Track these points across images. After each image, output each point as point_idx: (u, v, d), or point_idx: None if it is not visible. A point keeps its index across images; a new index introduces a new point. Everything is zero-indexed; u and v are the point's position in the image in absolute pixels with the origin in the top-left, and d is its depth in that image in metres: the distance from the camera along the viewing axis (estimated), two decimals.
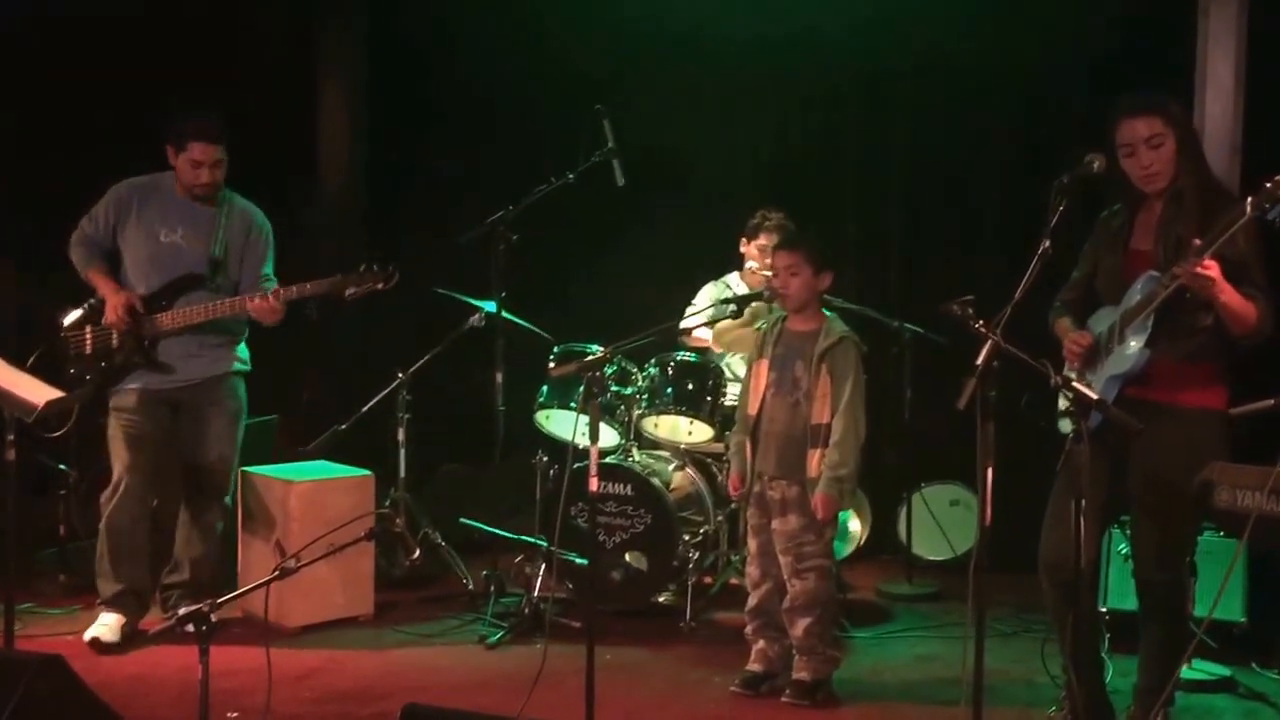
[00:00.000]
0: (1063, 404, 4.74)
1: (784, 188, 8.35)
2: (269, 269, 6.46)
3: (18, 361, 5.45)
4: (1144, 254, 4.93)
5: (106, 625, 6.19)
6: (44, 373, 5.42)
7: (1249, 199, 4.48)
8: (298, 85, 8.78)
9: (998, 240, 7.98)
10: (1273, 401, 5.29)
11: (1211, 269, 4.58)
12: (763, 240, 7.14)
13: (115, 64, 7.75)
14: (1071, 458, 4.51)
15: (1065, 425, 4.71)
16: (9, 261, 7.64)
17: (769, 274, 5.95)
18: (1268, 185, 4.44)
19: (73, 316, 6.33)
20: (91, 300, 6.31)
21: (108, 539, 6.28)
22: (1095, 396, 4.48)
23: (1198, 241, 4.60)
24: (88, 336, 6.28)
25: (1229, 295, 4.65)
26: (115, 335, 6.24)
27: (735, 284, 7.38)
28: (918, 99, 8.23)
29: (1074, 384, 4.45)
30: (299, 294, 6.21)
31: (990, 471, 4.35)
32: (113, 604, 6.27)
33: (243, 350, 6.48)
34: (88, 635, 6.15)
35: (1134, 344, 4.81)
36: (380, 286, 6.20)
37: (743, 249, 7.31)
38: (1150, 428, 4.59)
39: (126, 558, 6.29)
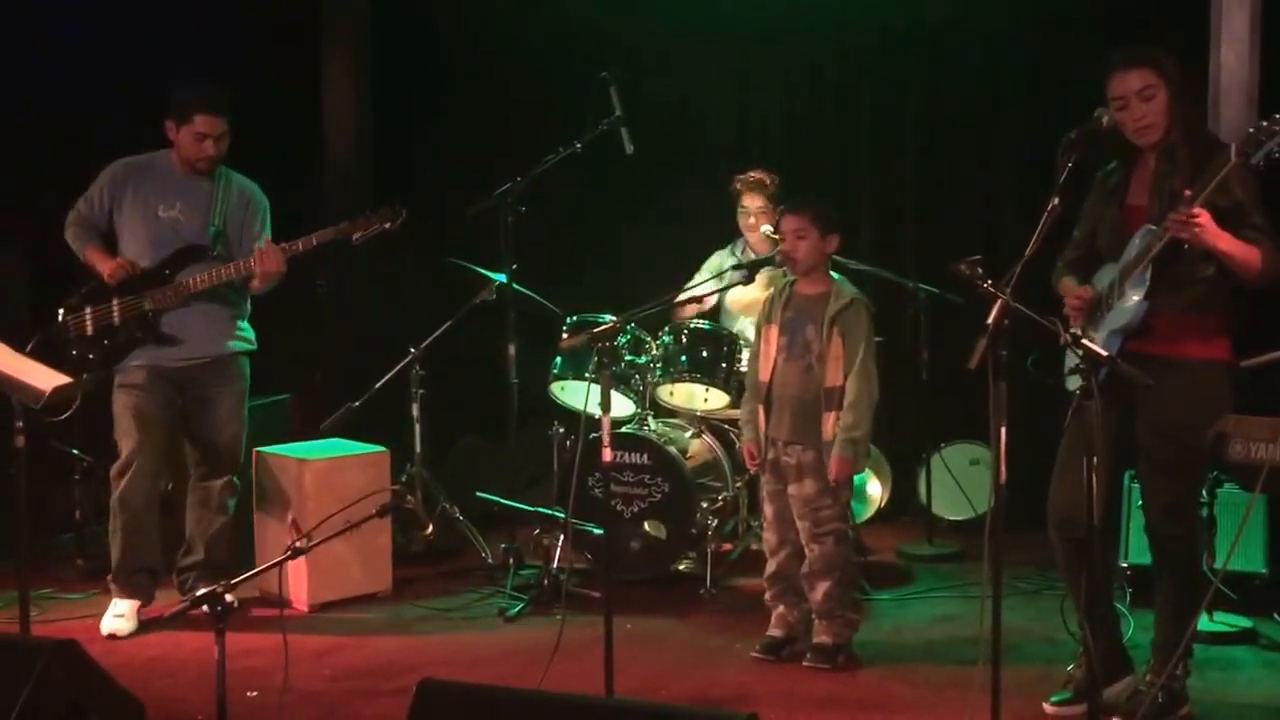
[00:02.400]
0: (1070, 361, 4.71)
1: (797, 149, 8.32)
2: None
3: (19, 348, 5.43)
4: (1140, 209, 4.91)
5: (121, 616, 6.17)
6: (42, 360, 5.39)
7: (1233, 145, 4.49)
8: (302, 54, 8.75)
9: (1015, 198, 7.92)
10: None
11: (1200, 217, 4.57)
12: (745, 203, 7.13)
13: (119, 41, 7.73)
14: (1080, 414, 4.49)
15: (1073, 382, 4.69)
16: (19, 251, 7.63)
17: (768, 230, 5.90)
18: (1251, 130, 4.46)
19: (68, 304, 6.25)
20: (86, 285, 6.25)
21: (120, 516, 6.25)
22: (1104, 352, 4.45)
23: (1188, 192, 4.60)
24: (88, 317, 6.21)
25: (1226, 242, 4.64)
26: (116, 312, 6.19)
27: (741, 249, 7.32)
28: (932, 56, 8.17)
29: (1082, 340, 4.42)
30: (304, 246, 6.17)
31: (1004, 430, 4.33)
32: (125, 586, 6.25)
33: (247, 328, 6.44)
34: (104, 629, 6.13)
35: (1133, 297, 4.79)
36: (388, 226, 6.20)
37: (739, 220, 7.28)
38: (1154, 381, 4.57)
39: (139, 535, 6.27)
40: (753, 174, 7.16)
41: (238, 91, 6.38)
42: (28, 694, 4.09)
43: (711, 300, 7.13)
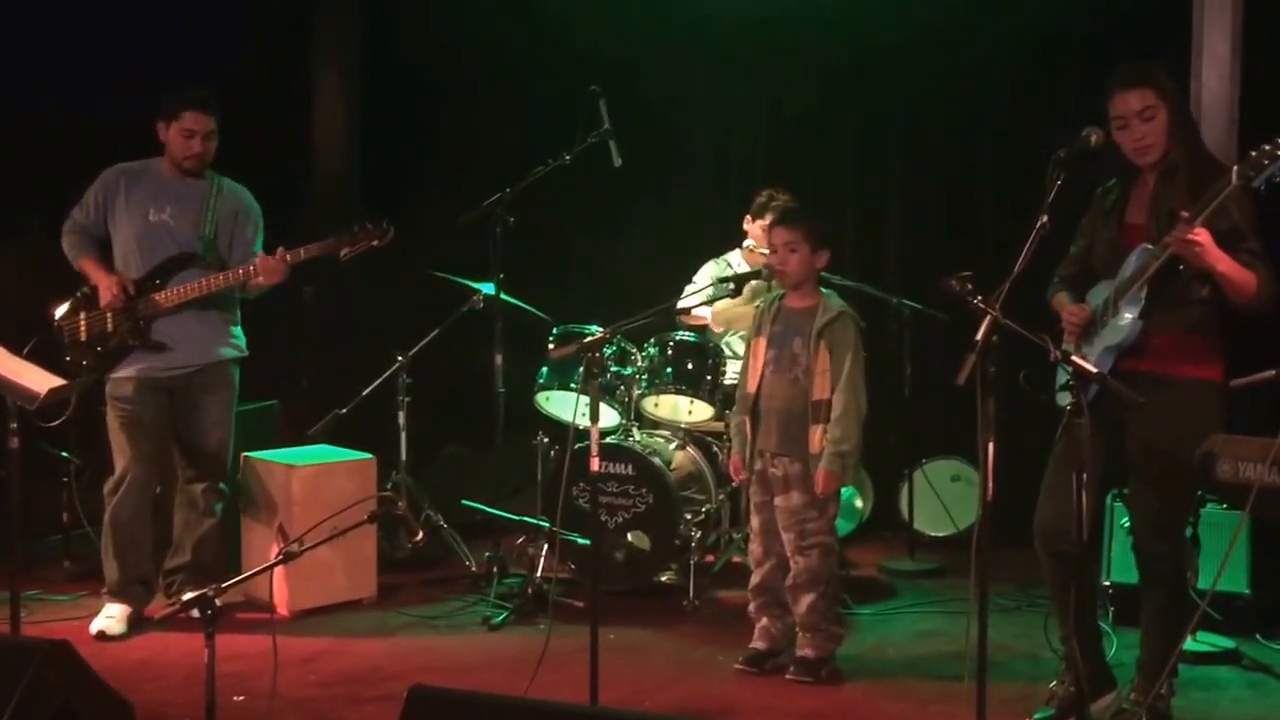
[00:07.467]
0: (1061, 378, 4.74)
1: (782, 164, 8.34)
2: (259, 249, 6.42)
3: (15, 351, 5.44)
4: (1138, 228, 4.94)
5: (112, 618, 6.19)
6: (39, 364, 5.40)
7: (1234, 168, 4.51)
8: (293, 69, 8.76)
9: (998, 215, 7.95)
10: (1273, 373, 5.29)
11: (1200, 236, 4.60)
12: (768, 221, 7.12)
13: (111, 48, 7.72)
14: (1070, 430, 4.51)
15: (1064, 399, 4.72)
16: (10, 254, 7.61)
17: (767, 253, 5.94)
18: (1253, 154, 4.48)
19: (64, 308, 6.29)
20: (83, 289, 6.29)
21: (112, 532, 6.27)
22: (1094, 370, 4.48)
23: (1186, 213, 4.62)
24: (82, 323, 6.25)
25: (1224, 263, 4.67)
26: (110, 318, 6.21)
27: (736, 262, 7.36)
28: (916, 73, 8.18)
29: (1073, 358, 4.45)
30: (293, 259, 6.19)
31: (991, 447, 4.35)
32: (118, 594, 6.26)
33: (239, 335, 6.46)
34: (94, 628, 6.14)
35: (1128, 315, 4.82)
36: (376, 243, 6.21)
37: (746, 226, 7.28)
38: (1145, 399, 4.60)
39: (131, 548, 6.28)
40: (783, 197, 7.09)
41: (229, 101, 6.39)
42: (21, 694, 4.09)
43: (705, 313, 7.15)
